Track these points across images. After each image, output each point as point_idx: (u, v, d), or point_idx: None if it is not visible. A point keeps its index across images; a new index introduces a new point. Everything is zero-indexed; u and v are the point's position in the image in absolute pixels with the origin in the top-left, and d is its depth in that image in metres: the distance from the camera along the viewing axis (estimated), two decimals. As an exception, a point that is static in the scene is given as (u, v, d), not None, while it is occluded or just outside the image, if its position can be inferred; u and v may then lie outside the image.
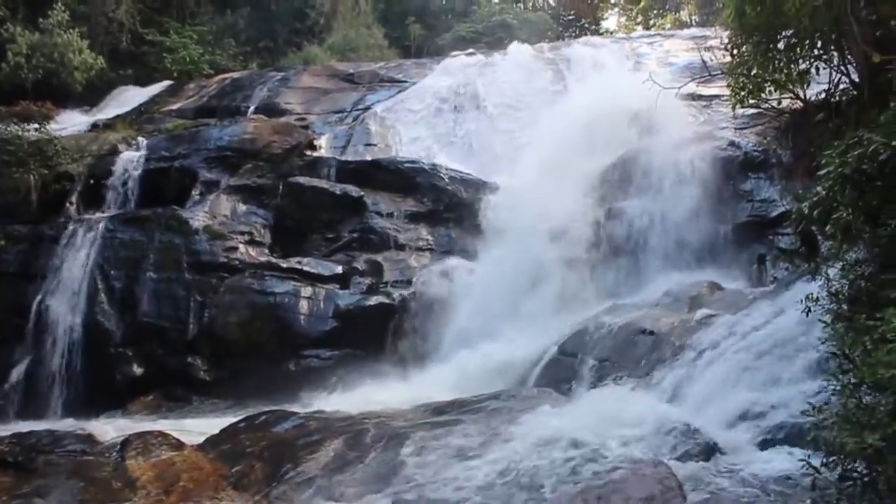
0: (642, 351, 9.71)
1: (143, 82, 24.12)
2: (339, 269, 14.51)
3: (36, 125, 16.36)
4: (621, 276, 12.94)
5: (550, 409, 7.78)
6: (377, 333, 13.53)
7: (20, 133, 16.08)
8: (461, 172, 16.04)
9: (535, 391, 9.47)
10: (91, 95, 22.77)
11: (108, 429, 9.63)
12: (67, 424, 10.75)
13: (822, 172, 6.50)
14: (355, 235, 15.22)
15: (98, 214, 15.44)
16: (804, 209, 7.03)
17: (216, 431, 8.65)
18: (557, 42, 25.88)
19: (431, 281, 13.95)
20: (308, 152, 17.06)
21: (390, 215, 15.46)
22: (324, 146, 17.52)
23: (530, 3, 37.29)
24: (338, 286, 14.26)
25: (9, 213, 15.32)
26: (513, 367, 11.24)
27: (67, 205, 15.80)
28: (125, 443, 7.78)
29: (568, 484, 5.90)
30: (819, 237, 8.95)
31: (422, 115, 18.68)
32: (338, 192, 15.70)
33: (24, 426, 10.08)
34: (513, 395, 8.89)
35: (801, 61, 12.28)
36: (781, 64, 12.34)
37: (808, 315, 6.10)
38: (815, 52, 12.05)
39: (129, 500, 6.54)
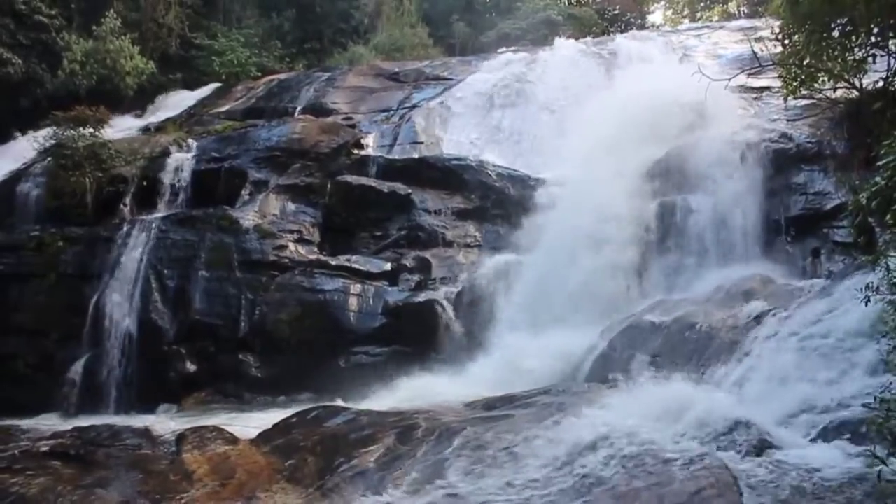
0: (694, 346, 9.58)
1: (191, 86, 24.57)
2: (388, 267, 14.60)
3: (91, 129, 16.77)
4: (672, 270, 12.78)
5: (601, 403, 7.72)
6: (426, 330, 13.56)
7: (76, 137, 16.50)
8: (508, 169, 16.04)
9: (585, 386, 9.42)
10: (142, 99, 23.30)
11: (164, 424, 9.82)
12: (124, 419, 11.00)
13: (881, 162, 6.35)
14: (403, 233, 15.30)
15: (151, 215, 15.72)
16: (862, 200, 6.87)
17: (269, 427, 8.74)
18: (603, 37, 25.67)
19: (480, 277, 13.94)
20: (355, 151, 17.21)
21: (438, 212, 15.50)
22: (371, 145, 17.65)
23: (574, -1, 37.05)
24: (387, 283, 14.36)
25: (66, 215, 15.73)
26: (563, 363, 11.18)
27: (121, 206, 16.11)
28: (181, 437, 7.91)
29: (621, 478, 5.84)
30: (877, 229, 8.73)
31: (468, 113, 18.70)
32: (385, 190, 15.79)
33: (84, 421, 10.35)
34: (563, 391, 8.83)
35: (856, 49, 12.01)
36: (836, 53, 12.09)
37: (867, 304, 5.94)
38: (872, 39, 11.76)
39: (186, 492, 6.63)
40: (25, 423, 10.64)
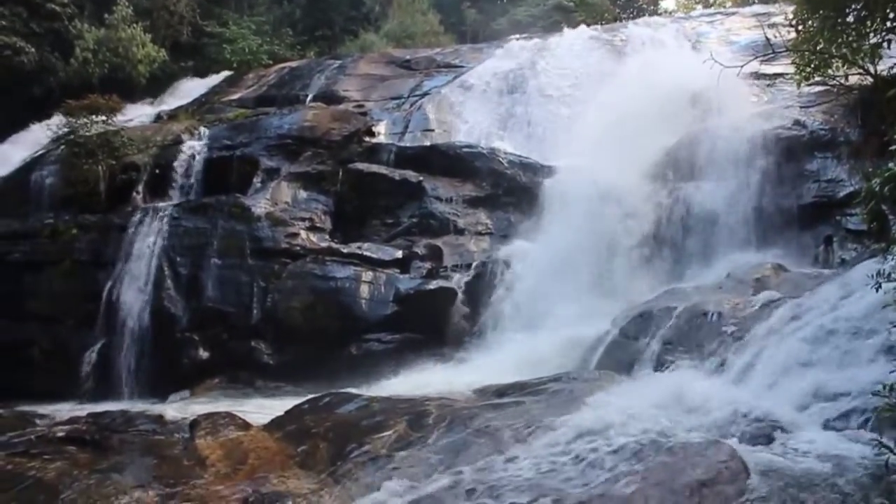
0: (706, 333, 9.55)
1: (203, 74, 24.64)
2: (399, 254, 14.63)
3: (103, 117, 16.85)
4: (684, 258, 12.78)
5: (613, 390, 7.73)
6: (437, 317, 13.61)
7: (89, 126, 16.58)
8: (520, 156, 16.03)
9: (596, 373, 9.39)
10: (154, 88, 23.40)
11: (177, 410, 9.89)
12: (137, 406, 11.09)
13: (894, 147, 6.30)
14: (415, 220, 15.33)
15: (163, 203, 15.81)
16: (874, 186, 6.82)
17: (281, 413, 8.80)
18: (615, 24, 25.54)
19: (491, 265, 13.95)
20: (367, 139, 17.23)
21: (449, 200, 15.51)
22: (382, 132, 17.67)
23: (587, -15, 36.77)
24: (398, 271, 14.39)
25: (79, 203, 15.87)
26: (574, 350, 11.15)
27: (134, 194, 16.24)
28: (194, 423, 7.97)
29: (631, 464, 5.85)
30: (890, 216, 8.67)
31: (479, 100, 18.69)
32: (397, 178, 15.80)
33: (98, 407, 10.45)
34: (574, 378, 8.81)
35: (871, 35, 11.87)
36: (851, 38, 11.97)
37: (877, 291, 5.92)
38: (888, 24, 11.63)
39: (199, 476, 6.66)
40: (41, 409, 10.75)
